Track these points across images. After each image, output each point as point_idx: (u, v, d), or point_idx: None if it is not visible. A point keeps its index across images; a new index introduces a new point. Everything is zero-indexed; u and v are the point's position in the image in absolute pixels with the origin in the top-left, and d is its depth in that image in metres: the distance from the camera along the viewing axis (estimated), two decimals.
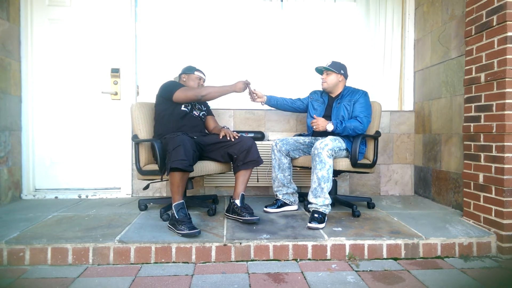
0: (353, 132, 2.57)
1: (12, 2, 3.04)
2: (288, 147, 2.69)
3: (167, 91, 2.60)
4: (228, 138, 2.50)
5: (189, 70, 2.78)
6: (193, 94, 2.55)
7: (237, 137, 2.52)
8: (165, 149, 2.35)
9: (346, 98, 2.75)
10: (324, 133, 2.71)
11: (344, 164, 2.56)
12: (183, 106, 2.66)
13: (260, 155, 2.54)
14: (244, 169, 2.48)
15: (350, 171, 2.63)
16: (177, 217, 2.15)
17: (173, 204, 2.22)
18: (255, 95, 2.79)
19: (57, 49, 3.27)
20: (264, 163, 3.15)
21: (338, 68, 2.74)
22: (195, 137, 2.53)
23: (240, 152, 2.47)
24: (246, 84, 2.60)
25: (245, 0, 3.47)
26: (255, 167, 2.60)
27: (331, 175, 2.40)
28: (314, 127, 2.59)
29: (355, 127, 2.56)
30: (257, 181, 3.12)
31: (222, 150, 2.53)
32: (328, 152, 2.38)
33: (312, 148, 2.45)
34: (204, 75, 2.84)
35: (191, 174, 2.45)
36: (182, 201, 2.24)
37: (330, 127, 2.56)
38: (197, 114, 2.75)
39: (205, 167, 2.53)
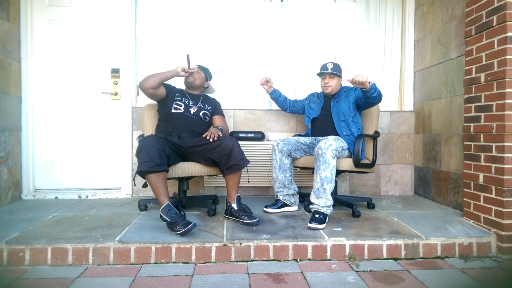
0: (380, 95, 2.54)
1: (12, 3, 3.04)
2: (289, 147, 2.69)
3: None
4: (208, 139, 2.43)
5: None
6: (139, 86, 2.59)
7: (215, 138, 2.42)
8: None
9: (342, 95, 2.78)
10: (325, 134, 2.72)
11: (347, 164, 2.56)
12: (174, 105, 2.66)
13: (259, 155, 2.53)
14: (230, 174, 2.42)
15: (351, 171, 2.63)
16: (169, 220, 2.13)
17: (160, 210, 2.19)
18: (265, 81, 2.99)
19: (57, 50, 3.27)
20: (263, 163, 3.18)
21: (340, 71, 2.77)
22: (176, 139, 2.50)
23: (221, 157, 2.39)
24: (184, 68, 2.65)
25: (245, 1, 3.48)
26: (249, 167, 2.55)
27: (334, 176, 2.39)
28: (360, 78, 2.36)
29: (379, 91, 2.53)
30: (248, 182, 3.08)
31: (203, 154, 2.46)
32: (332, 153, 2.37)
33: (316, 148, 2.44)
34: (199, 65, 2.89)
35: (179, 175, 2.45)
36: (167, 203, 2.20)
37: (370, 84, 2.42)
38: (193, 112, 2.71)
39: (188, 168, 2.50)
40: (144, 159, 2.17)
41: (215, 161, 2.44)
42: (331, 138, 2.45)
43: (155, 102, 2.84)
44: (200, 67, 2.84)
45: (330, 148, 2.37)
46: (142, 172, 2.19)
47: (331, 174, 2.37)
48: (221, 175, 2.53)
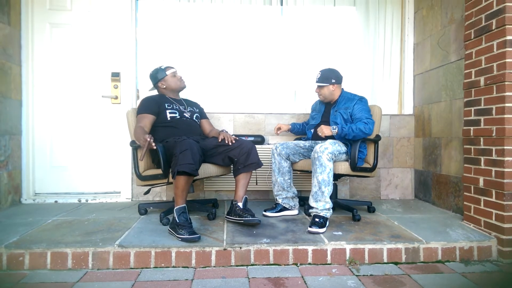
0: (361, 133, 2.52)
1: (13, 7, 3.06)
2: (288, 151, 2.69)
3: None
4: (226, 142, 2.48)
5: (161, 75, 2.73)
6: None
7: (234, 141, 2.49)
8: (168, 152, 2.34)
9: (342, 105, 2.72)
10: (326, 137, 2.70)
11: (344, 167, 2.56)
12: (169, 113, 2.63)
13: (260, 159, 2.54)
14: (245, 172, 2.47)
15: (350, 175, 2.62)
16: (178, 221, 2.15)
17: (175, 208, 2.21)
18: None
19: (57, 53, 3.27)
20: (263, 167, 3.16)
21: (328, 79, 2.71)
22: (198, 142, 2.53)
23: (241, 155, 2.45)
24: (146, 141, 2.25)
25: (245, 6, 3.49)
26: (255, 170, 2.58)
27: (331, 178, 2.40)
28: (320, 134, 2.60)
29: (361, 128, 2.52)
30: (256, 184, 3.10)
31: (222, 154, 2.51)
32: (328, 156, 2.37)
33: (312, 152, 2.45)
34: (172, 67, 2.79)
35: (201, 176, 2.46)
36: (184, 205, 2.23)
37: (334, 130, 2.56)
38: (188, 116, 2.72)
39: (207, 170, 2.51)
40: (188, 160, 2.17)
41: (232, 160, 2.49)
42: (328, 141, 2.46)
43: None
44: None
45: (326, 151, 2.38)
46: (183, 172, 2.18)
47: (328, 177, 2.37)
48: (229, 174, 2.66)
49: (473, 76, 2.42)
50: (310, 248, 2.09)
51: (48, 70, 3.26)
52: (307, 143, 2.79)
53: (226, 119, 3.36)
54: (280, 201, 2.73)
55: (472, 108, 2.42)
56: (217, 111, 3.34)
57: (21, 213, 2.77)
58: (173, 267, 2.02)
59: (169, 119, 2.63)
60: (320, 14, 3.54)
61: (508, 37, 2.13)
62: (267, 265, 2.06)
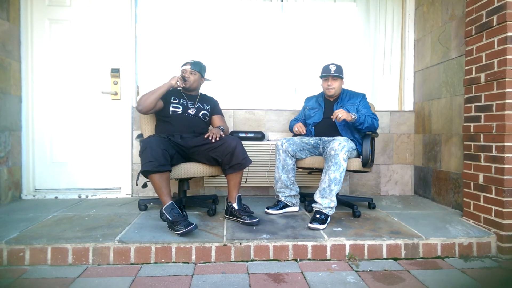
0: (372, 126, 2.63)
1: (12, 3, 3.04)
2: (295, 148, 2.64)
3: None
4: (210, 139, 2.42)
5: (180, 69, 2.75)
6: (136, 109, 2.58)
7: (218, 138, 2.40)
8: None
9: (347, 101, 2.74)
10: (328, 134, 2.70)
11: (356, 164, 2.57)
12: (172, 108, 2.63)
13: (259, 155, 2.52)
14: (232, 173, 2.42)
15: (350, 171, 2.62)
16: (171, 219, 2.14)
17: (163, 208, 2.21)
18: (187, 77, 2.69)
19: (57, 49, 3.27)
20: (263, 163, 3.18)
21: (342, 72, 2.74)
22: (179, 139, 2.50)
23: (224, 156, 2.38)
24: (180, 77, 2.60)
25: (246, 2, 3.48)
26: (249, 167, 2.52)
27: (342, 178, 2.38)
28: (340, 115, 2.48)
29: (373, 123, 2.63)
30: (245, 182, 3.03)
31: (205, 153, 2.45)
32: (345, 155, 2.35)
33: (328, 148, 2.40)
34: (192, 64, 2.68)
35: (182, 176, 2.44)
36: (171, 202, 2.21)
37: (354, 116, 2.53)
38: (192, 113, 2.68)
39: (190, 169, 2.49)
40: (148, 159, 2.17)
41: (217, 160, 2.43)
42: (342, 139, 2.42)
43: None
44: (193, 64, 2.69)
45: (344, 149, 2.35)
46: (146, 171, 2.19)
47: (340, 176, 2.36)
48: (223, 175, 2.53)
49: (473, 73, 2.42)
50: (309, 244, 2.10)
51: (48, 66, 3.26)
52: (312, 140, 2.75)
53: (226, 116, 3.34)
54: (282, 198, 2.70)
55: (473, 105, 2.42)
56: None
57: (21, 209, 2.77)
58: (173, 262, 2.02)
59: (170, 113, 2.62)
60: (320, 10, 3.53)
61: (509, 34, 2.13)
62: (267, 260, 2.07)
